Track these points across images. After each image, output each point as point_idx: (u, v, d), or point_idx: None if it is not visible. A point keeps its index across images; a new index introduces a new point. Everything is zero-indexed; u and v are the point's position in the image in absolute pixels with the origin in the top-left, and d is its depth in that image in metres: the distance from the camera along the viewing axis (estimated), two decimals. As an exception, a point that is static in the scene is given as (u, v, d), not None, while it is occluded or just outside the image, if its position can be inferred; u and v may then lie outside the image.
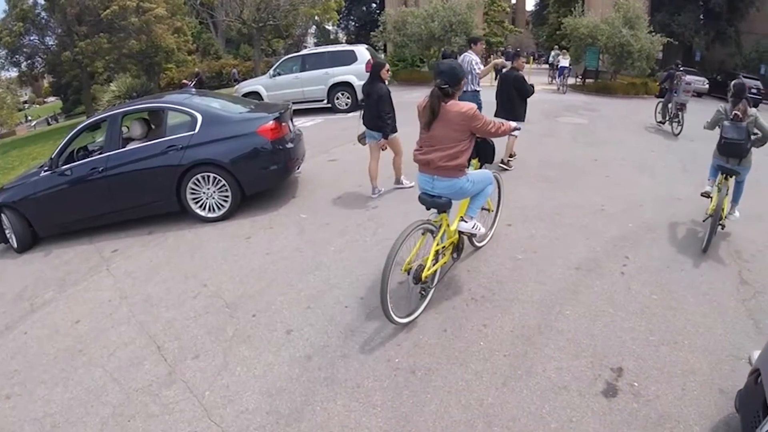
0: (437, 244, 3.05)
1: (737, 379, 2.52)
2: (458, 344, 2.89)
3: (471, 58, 6.22)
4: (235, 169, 5.04)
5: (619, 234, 4.40)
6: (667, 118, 10.40)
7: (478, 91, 6.27)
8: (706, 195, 4.55)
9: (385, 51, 23.03)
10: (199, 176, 5.05)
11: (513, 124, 3.47)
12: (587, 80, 17.74)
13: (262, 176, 5.21)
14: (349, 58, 11.65)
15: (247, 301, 3.58)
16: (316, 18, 28.23)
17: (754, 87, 18.72)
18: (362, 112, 5.16)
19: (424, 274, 2.93)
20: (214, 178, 5.06)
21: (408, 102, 6.84)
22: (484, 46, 7.09)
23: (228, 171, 5.04)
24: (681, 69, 10.82)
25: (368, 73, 5.19)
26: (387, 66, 5.01)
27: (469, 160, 3.19)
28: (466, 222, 3.24)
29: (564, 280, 3.58)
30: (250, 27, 22.73)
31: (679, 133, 9.79)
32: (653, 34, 16.32)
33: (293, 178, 6.13)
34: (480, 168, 3.56)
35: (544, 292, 3.43)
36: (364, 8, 36.88)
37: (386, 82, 5.10)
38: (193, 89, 8.52)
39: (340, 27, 39.09)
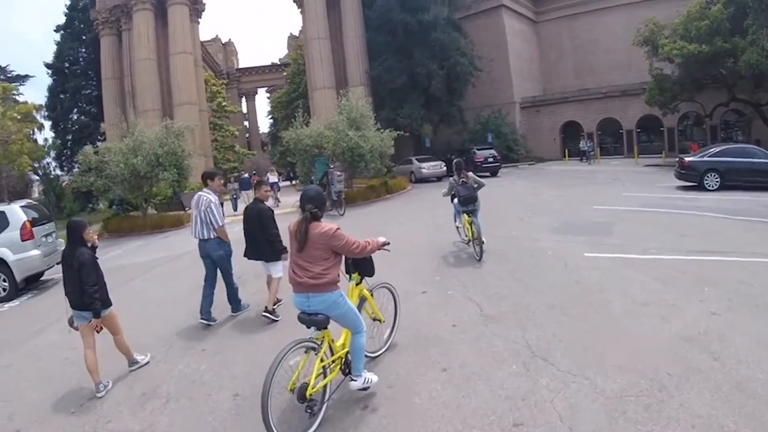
0: (321, 361, 3.06)
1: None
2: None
3: (207, 198, 5.06)
4: None
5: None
6: (332, 207, 12.65)
7: (219, 239, 5.17)
8: (462, 233, 7.18)
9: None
10: None
11: (381, 239, 3.44)
12: None
13: None
14: (-2, 224, 7.76)
15: None
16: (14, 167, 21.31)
17: (490, 156, 20.31)
18: (65, 287, 4.07)
19: (308, 392, 2.91)
20: None
21: (117, 267, 5.83)
22: (223, 181, 5.79)
23: None
24: (332, 167, 13.34)
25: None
26: (88, 226, 4.00)
27: (351, 274, 3.50)
28: (355, 381, 3.24)
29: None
30: None
31: (343, 214, 12.27)
32: (381, 131, 15.41)
33: None
34: (360, 281, 3.57)
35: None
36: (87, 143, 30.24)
37: (92, 245, 4.03)
38: None
39: (64, 170, 30.94)
